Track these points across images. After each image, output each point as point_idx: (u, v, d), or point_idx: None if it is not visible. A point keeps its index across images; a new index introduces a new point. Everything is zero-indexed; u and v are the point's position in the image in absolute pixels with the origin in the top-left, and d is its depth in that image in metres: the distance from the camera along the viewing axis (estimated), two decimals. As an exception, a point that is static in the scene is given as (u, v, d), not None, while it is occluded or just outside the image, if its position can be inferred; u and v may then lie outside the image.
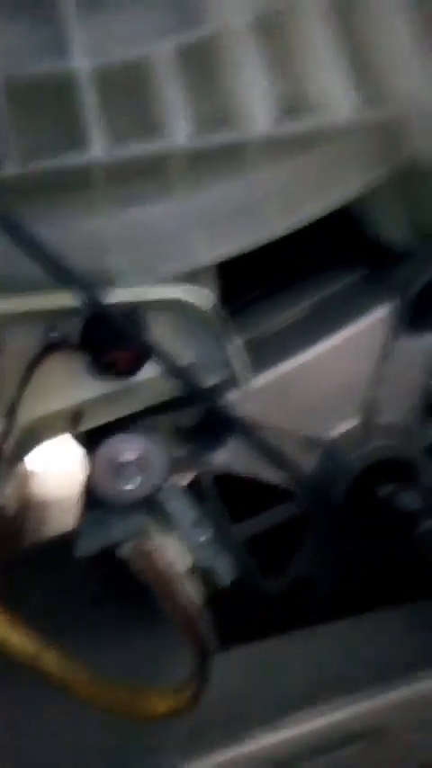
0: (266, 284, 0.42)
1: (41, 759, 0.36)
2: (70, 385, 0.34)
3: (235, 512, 0.41)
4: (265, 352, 0.38)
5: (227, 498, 0.41)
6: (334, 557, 0.40)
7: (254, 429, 0.35)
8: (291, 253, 0.36)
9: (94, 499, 0.38)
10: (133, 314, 0.30)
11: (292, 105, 0.29)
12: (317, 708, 0.32)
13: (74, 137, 0.26)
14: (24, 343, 0.32)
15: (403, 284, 0.37)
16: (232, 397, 0.35)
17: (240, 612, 0.44)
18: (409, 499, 0.35)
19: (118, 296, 0.29)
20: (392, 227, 0.38)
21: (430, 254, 0.37)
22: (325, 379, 0.37)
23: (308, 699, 0.33)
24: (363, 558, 0.39)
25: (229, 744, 0.32)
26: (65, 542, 0.44)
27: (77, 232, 0.31)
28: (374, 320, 0.38)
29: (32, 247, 0.27)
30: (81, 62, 0.25)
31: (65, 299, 0.28)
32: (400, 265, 0.39)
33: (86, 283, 0.28)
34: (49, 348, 0.33)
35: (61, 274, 0.27)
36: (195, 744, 0.34)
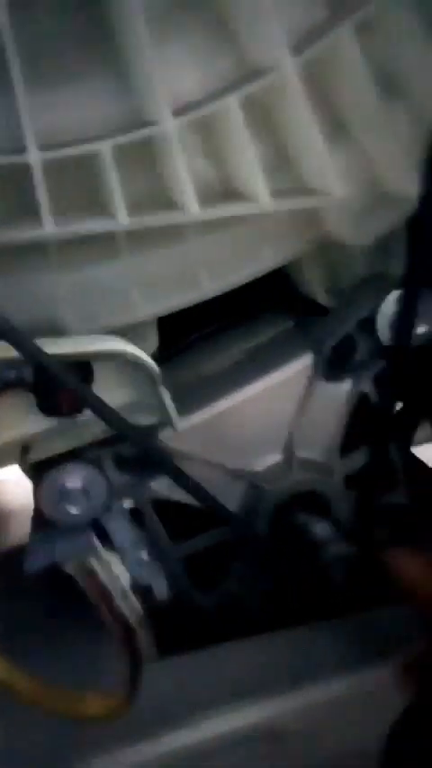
0: (207, 329, 0.47)
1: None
2: (20, 420, 0.38)
3: (176, 532, 0.46)
4: (199, 393, 0.43)
5: (168, 520, 0.46)
6: (259, 577, 0.45)
7: (183, 464, 0.40)
8: (229, 301, 0.41)
9: (42, 520, 0.42)
10: (75, 362, 0.34)
11: (218, 192, 0.34)
12: (229, 710, 0.36)
13: (28, 214, 0.31)
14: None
15: (323, 337, 0.42)
16: (165, 435, 0.40)
17: (180, 625, 0.49)
18: (320, 529, 0.40)
19: (60, 347, 0.33)
20: (315, 286, 0.43)
21: (345, 312, 0.42)
22: (251, 419, 0.42)
23: (225, 702, 0.38)
24: (283, 579, 0.43)
25: (146, 741, 0.36)
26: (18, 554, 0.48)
27: (31, 288, 0.35)
28: (297, 368, 0.42)
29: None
30: (34, 156, 0.29)
31: (9, 351, 0.32)
32: (321, 319, 0.44)
33: (23, 338, 0.32)
34: (6, 386, 0.37)
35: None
36: (123, 741, 0.38)
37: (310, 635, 0.41)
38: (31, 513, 0.45)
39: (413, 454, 0.62)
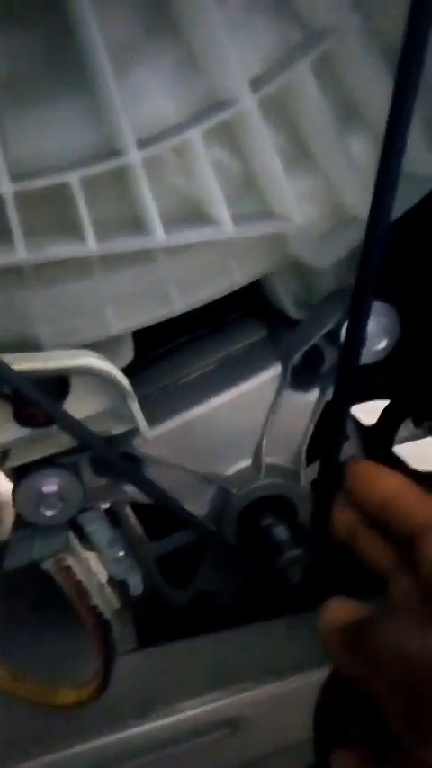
0: (182, 337, 0.49)
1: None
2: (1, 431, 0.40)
3: (154, 531, 0.48)
4: (172, 401, 0.45)
5: (145, 519, 0.48)
6: (228, 575, 0.48)
7: (156, 468, 0.42)
8: (203, 310, 0.43)
9: (21, 521, 0.44)
10: (50, 378, 0.36)
11: (185, 216, 0.36)
12: (192, 700, 0.39)
13: (1, 238, 0.33)
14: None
15: (290, 349, 0.44)
16: (137, 442, 0.42)
17: (154, 619, 0.51)
18: (280, 532, 0.42)
19: (29, 363, 0.35)
20: (286, 300, 0.45)
21: (312, 324, 0.44)
22: (222, 427, 0.44)
23: (190, 692, 0.40)
24: (249, 578, 0.46)
25: (113, 730, 0.39)
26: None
27: (7, 304, 0.37)
28: (266, 378, 0.44)
29: None
30: (6, 187, 0.31)
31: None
32: (290, 331, 0.46)
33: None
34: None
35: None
36: (96, 728, 0.41)
37: (271, 630, 0.44)
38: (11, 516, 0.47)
39: (394, 453, 0.65)
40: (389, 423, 0.65)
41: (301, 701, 0.39)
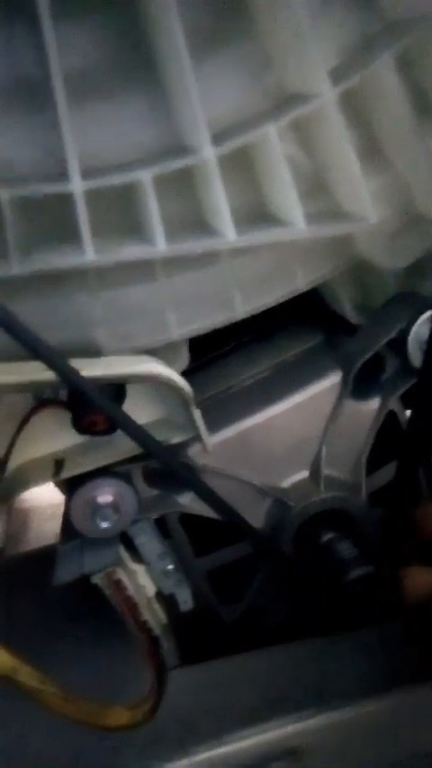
0: (236, 342, 0.48)
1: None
2: (55, 436, 0.39)
3: (203, 544, 0.46)
4: (228, 409, 0.43)
5: (194, 532, 0.46)
6: (282, 591, 0.46)
7: (211, 479, 0.40)
8: (258, 314, 0.42)
9: (70, 530, 0.43)
10: (108, 384, 0.35)
11: (254, 217, 0.34)
12: (253, 727, 0.37)
13: (70, 241, 0.32)
14: (18, 398, 0.37)
15: (351, 356, 0.43)
16: (193, 452, 0.41)
17: (202, 634, 0.49)
18: (345, 548, 0.41)
19: (93, 370, 0.34)
20: (345, 304, 0.44)
21: (374, 331, 0.42)
22: (279, 437, 0.43)
23: (249, 716, 0.38)
24: (307, 595, 0.44)
25: (175, 757, 0.37)
26: (45, 556, 0.48)
27: (68, 309, 0.36)
28: (325, 386, 0.43)
29: (8, 325, 0.31)
30: (77, 185, 0.30)
31: (46, 374, 0.33)
32: (350, 337, 0.44)
33: (59, 360, 0.32)
34: (41, 404, 0.38)
35: (35, 352, 0.32)
36: (148, 753, 0.39)
37: (332, 648, 0.42)
38: (53, 513, 0.46)
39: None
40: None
41: (370, 726, 0.37)
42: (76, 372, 0.33)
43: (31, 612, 0.58)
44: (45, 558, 0.47)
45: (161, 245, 0.32)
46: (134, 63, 0.31)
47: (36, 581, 0.53)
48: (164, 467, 0.40)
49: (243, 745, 0.36)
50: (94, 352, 0.36)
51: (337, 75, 0.32)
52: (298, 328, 0.47)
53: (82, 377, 0.33)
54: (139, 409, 0.40)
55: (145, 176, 0.31)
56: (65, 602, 0.53)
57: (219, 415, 0.43)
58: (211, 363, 0.46)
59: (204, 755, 0.36)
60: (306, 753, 0.36)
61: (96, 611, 0.47)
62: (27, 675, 0.37)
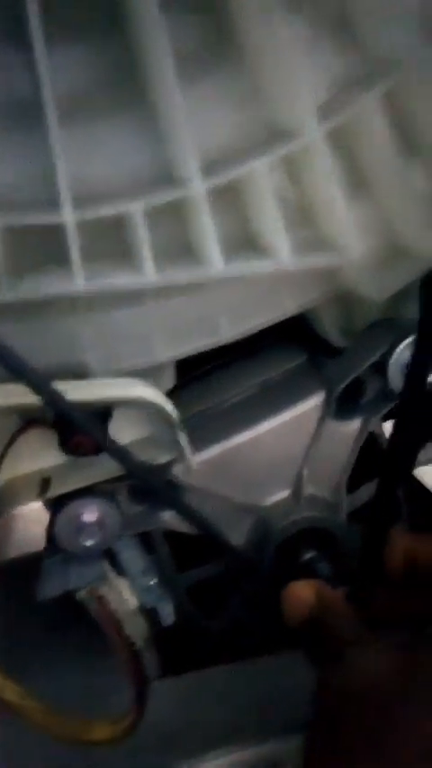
0: (218, 360, 0.48)
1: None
2: (41, 455, 0.39)
3: (185, 559, 0.47)
4: (212, 428, 0.44)
5: (176, 548, 0.47)
6: (262, 606, 0.47)
7: (193, 496, 0.41)
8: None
9: (55, 545, 0.43)
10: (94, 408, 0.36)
11: (241, 246, 0.35)
12: (236, 742, 0.38)
13: (59, 268, 0.32)
14: (3, 418, 0.38)
15: (334, 378, 0.44)
16: (178, 470, 0.41)
17: (181, 646, 0.50)
18: (324, 567, 0.41)
19: (80, 393, 0.34)
20: (329, 327, 0.45)
21: (357, 354, 0.43)
22: (261, 456, 0.43)
23: (231, 731, 0.39)
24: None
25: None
26: (26, 564, 0.49)
27: (56, 331, 0.36)
28: (308, 407, 0.44)
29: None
30: (68, 216, 0.30)
31: (32, 397, 0.33)
32: (333, 359, 0.45)
33: (44, 384, 0.33)
34: (28, 424, 0.38)
35: (21, 375, 0.32)
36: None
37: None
38: (38, 519, 0.46)
39: (415, 477, 0.64)
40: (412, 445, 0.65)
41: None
42: (61, 397, 0.33)
43: (11, 622, 0.58)
44: (25, 566, 0.47)
45: (151, 275, 0.33)
46: (126, 89, 0.32)
47: (15, 590, 0.53)
48: (148, 486, 0.41)
49: (225, 761, 0.37)
50: (81, 372, 0.37)
51: (324, 113, 0.32)
52: (282, 347, 0.48)
53: (68, 401, 0.33)
54: (125, 428, 0.40)
55: (136, 208, 0.31)
56: (45, 612, 0.53)
57: (203, 433, 0.43)
58: (197, 380, 0.47)
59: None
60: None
61: (77, 620, 0.48)
62: (8, 690, 0.37)
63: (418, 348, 0.37)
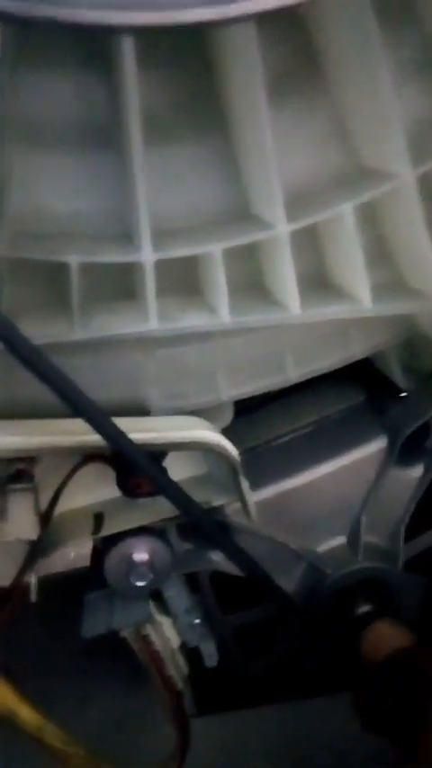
0: (272, 395, 0.47)
1: None
2: (97, 491, 0.38)
3: (229, 601, 0.45)
4: (267, 467, 0.42)
5: (221, 588, 0.45)
6: (307, 653, 0.45)
7: (245, 539, 0.40)
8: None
9: (99, 580, 0.42)
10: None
11: (318, 289, 0.33)
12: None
13: (132, 307, 0.31)
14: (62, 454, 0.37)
15: (399, 422, 0.42)
16: (231, 510, 0.40)
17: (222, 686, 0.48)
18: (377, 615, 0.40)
19: (143, 433, 0.33)
20: (394, 367, 0.43)
21: (424, 399, 0.42)
22: (318, 500, 0.42)
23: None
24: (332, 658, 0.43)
25: None
26: (59, 587, 0.47)
27: (123, 366, 0.35)
28: (370, 451, 0.42)
29: (62, 389, 0.30)
30: (147, 255, 0.29)
31: (94, 437, 0.32)
32: (397, 401, 0.43)
33: (108, 424, 0.31)
34: (86, 459, 0.37)
35: (85, 415, 0.31)
36: None
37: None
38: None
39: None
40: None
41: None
42: (125, 437, 0.32)
43: (46, 647, 0.57)
44: (58, 585, 0.46)
45: (225, 317, 0.31)
46: (207, 117, 0.30)
47: (48, 610, 0.52)
48: (201, 528, 0.40)
49: None
50: (142, 409, 0.36)
51: (417, 157, 0.31)
52: (340, 384, 0.46)
53: (131, 442, 0.32)
54: (181, 464, 0.39)
55: (215, 249, 0.30)
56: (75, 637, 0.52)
57: (258, 472, 0.42)
58: (250, 413, 0.45)
59: None
60: None
61: (106, 646, 0.46)
62: (53, 736, 0.36)
63: None
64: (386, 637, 0.35)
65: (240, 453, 0.42)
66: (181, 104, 0.30)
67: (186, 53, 0.29)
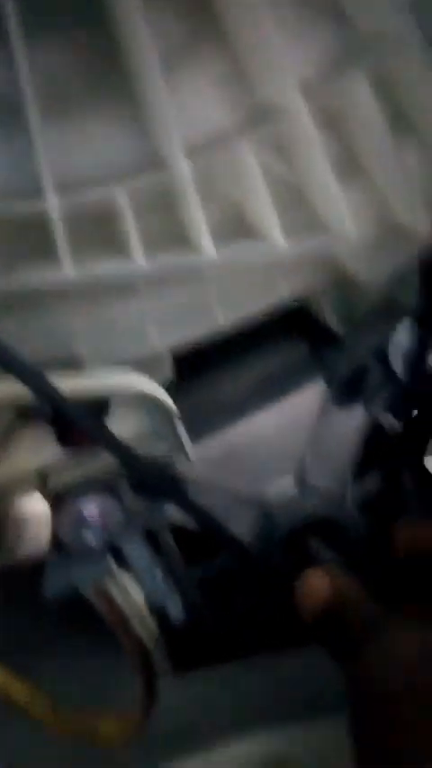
0: (220, 354, 0.48)
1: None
2: (39, 450, 0.39)
3: (193, 554, 0.47)
4: (213, 421, 0.44)
5: (183, 543, 0.46)
6: (270, 601, 0.46)
7: (197, 491, 0.41)
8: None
9: (59, 543, 0.43)
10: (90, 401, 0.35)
11: (233, 231, 0.34)
12: (239, 739, 0.37)
13: (46, 257, 0.32)
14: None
15: (335, 365, 0.43)
16: (179, 463, 0.41)
17: (192, 644, 0.49)
18: (331, 557, 0.41)
19: (76, 384, 0.34)
20: (329, 314, 0.44)
21: (357, 340, 0.43)
22: (264, 447, 0.43)
23: (238, 727, 0.39)
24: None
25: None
26: (38, 565, 0.48)
27: (49, 322, 0.36)
28: (309, 396, 0.43)
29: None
30: (53, 202, 0.30)
31: (23, 391, 0.33)
32: (334, 348, 0.44)
33: (38, 379, 0.33)
34: (25, 419, 0.38)
35: (14, 371, 0.32)
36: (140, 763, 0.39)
37: (317, 660, 0.42)
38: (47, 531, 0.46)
39: (424, 465, 0.63)
40: (420, 433, 0.64)
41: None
42: (55, 390, 0.33)
43: (23, 622, 0.58)
44: (38, 567, 0.47)
45: (140, 263, 0.32)
46: (109, 77, 0.32)
47: (28, 590, 0.53)
48: (146, 480, 0.41)
49: (231, 755, 0.37)
50: (75, 364, 0.37)
51: (311, 91, 0.32)
52: (284, 340, 0.48)
53: (61, 395, 0.33)
54: (123, 422, 0.40)
55: (121, 193, 0.31)
56: (56, 612, 0.53)
57: (205, 425, 0.43)
58: (198, 374, 0.47)
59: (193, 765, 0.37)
60: (294, 763, 0.36)
61: (89, 619, 0.48)
62: (15, 688, 0.37)
63: (417, 332, 0.37)
64: (315, 588, 0.36)
65: (189, 411, 0.43)
66: (83, 66, 0.31)
67: (81, 16, 0.31)
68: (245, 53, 0.31)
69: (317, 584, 0.36)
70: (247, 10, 0.30)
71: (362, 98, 0.33)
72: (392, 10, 0.32)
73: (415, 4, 0.33)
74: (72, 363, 0.36)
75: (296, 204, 0.35)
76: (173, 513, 0.44)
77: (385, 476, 0.44)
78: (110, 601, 0.43)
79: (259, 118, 0.32)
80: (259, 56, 0.31)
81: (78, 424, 0.35)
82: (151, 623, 0.47)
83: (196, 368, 0.46)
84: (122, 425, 0.40)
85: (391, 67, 0.33)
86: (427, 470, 0.59)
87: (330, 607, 0.35)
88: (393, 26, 0.32)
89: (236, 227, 0.35)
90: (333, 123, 0.34)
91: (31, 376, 0.33)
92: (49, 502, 0.41)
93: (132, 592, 0.46)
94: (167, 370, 0.41)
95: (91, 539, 0.40)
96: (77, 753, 0.40)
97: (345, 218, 0.34)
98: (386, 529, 0.41)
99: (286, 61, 0.31)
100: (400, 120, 0.35)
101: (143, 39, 0.30)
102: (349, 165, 0.35)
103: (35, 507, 0.72)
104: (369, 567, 0.42)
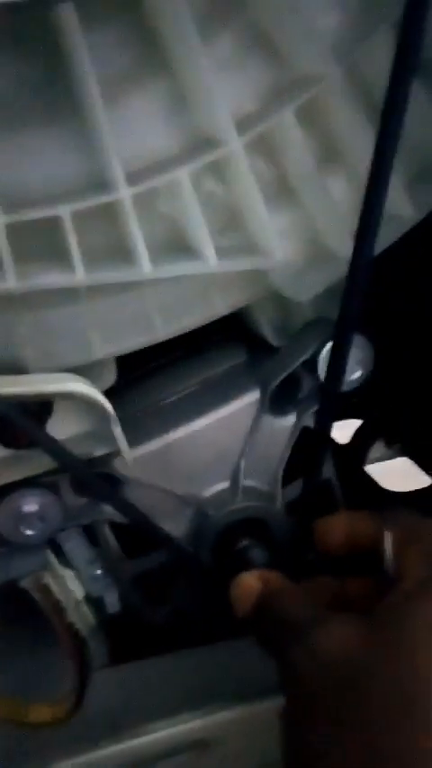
0: (163, 358, 0.50)
1: None
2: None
3: (133, 548, 0.49)
4: (152, 423, 0.46)
5: (124, 537, 0.48)
6: (203, 595, 0.48)
7: (134, 490, 0.43)
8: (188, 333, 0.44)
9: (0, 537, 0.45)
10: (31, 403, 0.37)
11: (170, 249, 0.37)
12: (166, 721, 0.40)
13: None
14: None
15: (269, 375, 0.46)
16: (117, 464, 0.43)
17: (130, 635, 0.52)
18: (258, 554, 0.44)
19: (17, 386, 0.36)
20: (265, 327, 0.47)
21: (291, 352, 0.45)
22: (200, 450, 0.45)
23: (163, 711, 0.41)
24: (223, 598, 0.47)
25: (83, 750, 0.40)
26: None
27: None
28: (245, 403, 0.46)
29: None
30: None
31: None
32: (269, 357, 0.47)
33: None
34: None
35: None
36: (72, 748, 0.42)
37: (245, 651, 0.45)
38: None
39: (366, 473, 0.66)
40: (361, 442, 0.67)
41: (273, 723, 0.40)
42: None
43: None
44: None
45: (80, 275, 0.34)
46: (58, 100, 0.34)
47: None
48: (81, 478, 0.43)
49: (155, 737, 0.39)
50: (19, 369, 0.39)
51: (245, 123, 0.34)
52: (224, 347, 0.50)
53: (1, 398, 0.35)
54: (65, 423, 0.42)
55: (64, 211, 0.33)
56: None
57: (145, 428, 0.45)
58: (139, 380, 0.49)
59: (117, 747, 0.39)
60: (216, 744, 0.38)
61: (29, 613, 0.49)
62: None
63: (333, 348, 0.39)
64: (247, 590, 0.39)
65: (129, 415, 0.45)
66: (32, 88, 0.33)
67: (30, 39, 0.33)
68: (184, 85, 0.34)
69: (249, 585, 0.38)
70: (186, 45, 0.33)
71: (291, 130, 0.35)
72: (320, 50, 0.35)
73: (340, 46, 0.35)
74: (15, 368, 0.38)
75: (231, 226, 0.38)
76: (109, 510, 0.46)
77: (313, 479, 0.46)
78: (47, 593, 0.45)
79: (198, 146, 0.35)
80: (197, 88, 0.34)
81: (18, 425, 0.37)
82: (88, 614, 0.49)
83: (140, 375, 0.49)
84: (64, 427, 0.42)
85: (320, 103, 0.36)
86: (359, 476, 0.63)
87: (260, 609, 0.38)
88: (322, 69, 0.35)
89: (174, 245, 0.37)
90: (265, 152, 0.36)
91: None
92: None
93: (70, 584, 0.48)
94: (111, 376, 0.43)
95: (29, 533, 0.42)
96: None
97: (274, 240, 0.37)
98: (309, 525, 0.44)
99: (222, 96, 0.34)
100: (328, 151, 0.38)
101: (85, 65, 0.32)
102: (280, 192, 0.38)
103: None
104: (295, 565, 0.45)
